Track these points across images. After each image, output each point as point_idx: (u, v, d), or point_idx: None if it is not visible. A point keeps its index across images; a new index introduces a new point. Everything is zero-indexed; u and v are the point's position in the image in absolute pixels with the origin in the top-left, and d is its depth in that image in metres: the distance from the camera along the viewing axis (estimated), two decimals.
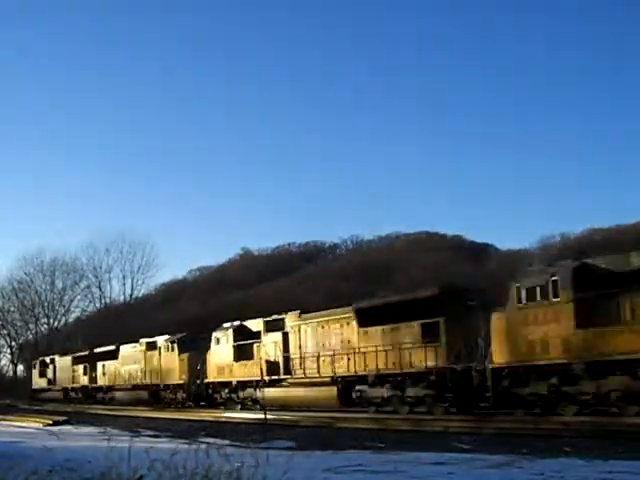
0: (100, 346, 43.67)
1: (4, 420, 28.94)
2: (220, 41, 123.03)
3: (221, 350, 30.07)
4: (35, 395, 52.22)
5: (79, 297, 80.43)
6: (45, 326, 79.90)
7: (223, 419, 25.07)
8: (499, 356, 18.55)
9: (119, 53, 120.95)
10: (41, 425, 25.94)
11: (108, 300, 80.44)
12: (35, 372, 53.90)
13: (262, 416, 20.58)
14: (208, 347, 30.87)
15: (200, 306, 69.92)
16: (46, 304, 79.19)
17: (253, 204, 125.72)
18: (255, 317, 29.38)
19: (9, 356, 79.26)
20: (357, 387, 23.38)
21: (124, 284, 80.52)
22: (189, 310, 69.06)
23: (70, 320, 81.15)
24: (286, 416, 23.62)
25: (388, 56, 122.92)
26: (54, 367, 49.98)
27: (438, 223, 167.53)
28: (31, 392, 53.68)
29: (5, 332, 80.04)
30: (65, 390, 47.42)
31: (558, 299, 17.41)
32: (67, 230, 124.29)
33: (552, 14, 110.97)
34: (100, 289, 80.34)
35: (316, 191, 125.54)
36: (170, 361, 34.88)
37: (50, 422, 26.38)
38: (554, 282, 17.66)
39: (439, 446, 13.74)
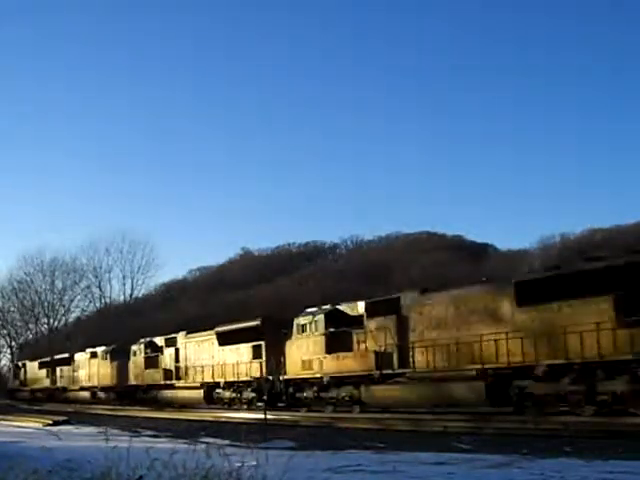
0: (98, 346, 45.78)
1: (4, 420, 28.93)
2: (220, 41, 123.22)
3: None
4: (10, 395, 56.09)
5: (79, 297, 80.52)
6: (45, 326, 79.95)
7: (223, 419, 25.08)
8: (288, 371, 26.87)
9: (119, 53, 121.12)
10: (41, 425, 25.94)
11: (108, 300, 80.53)
12: (11, 375, 58.48)
13: (262, 416, 20.58)
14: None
15: (200, 306, 69.93)
16: (46, 304, 79.22)
17: (253, 204, 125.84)
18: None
19: (9, 356, 79.32)
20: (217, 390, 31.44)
21: (124, 284, 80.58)
22: (189, 310, 69.07)
23: (70, 320, 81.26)
24: (286, 416, 23.65)
25: (388, 56, 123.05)
26: (24, 371, 54.83)
27: (438, 223, 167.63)
28: (7, 392, 57.78)
29: (5, 332, 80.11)
30: (32, 391, 52.05)
31: (317, 333, 25.53)
32: (67, 230, 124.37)
33: (552, 14, 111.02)
34: (100, 289, 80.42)
35: (316, 191, 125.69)
36: (104, 367, 41.65)
37: (50, 422, 26.38)
38: (316, 321, 25.72)
39: (439, 446, 13.73)
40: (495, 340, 18.75)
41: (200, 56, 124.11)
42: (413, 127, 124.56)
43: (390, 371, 22.28)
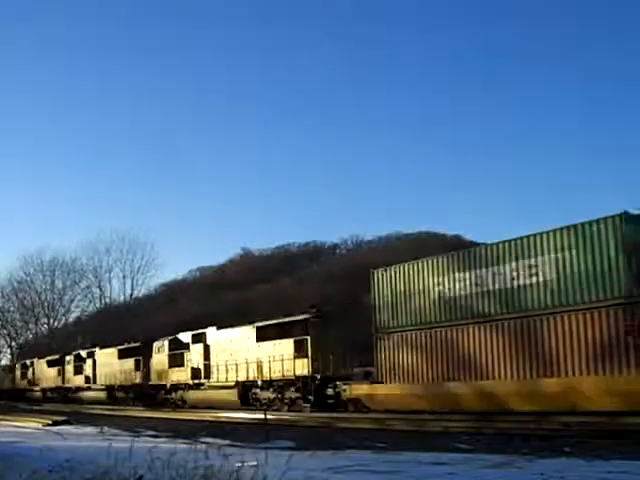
0: (97, 346, 46.27)
1: (4, 420, 28.92)
2: (220, 46, 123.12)
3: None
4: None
5: (79, 297, 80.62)
6: (45, 326, 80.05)
7: (223, 419, 25.08)
8: (152, 378, 37.13)
9: (118, 54, 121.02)
10: (41, 425, 25.92)
11: (108, 300, 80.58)
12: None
13: (262, 416, 20.58)
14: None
15: (200, 306, 69.96)
16: (46, 304, 79.30)
17: (253, 204, 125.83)
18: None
19: (9, 356, 79.35)
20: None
21: (124, 284, 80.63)
22: (189, 310, 69.09)
23: (70, 320, 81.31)
24: (286, 416, 23.65)
25: (388, 55, 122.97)
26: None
27: (438, 223, 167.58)
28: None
29: (5, 332, 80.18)
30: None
31: (164, 353, 36.04)
32: (67, 230, 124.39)
33: (552, 13, 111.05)
34: (100, 289, 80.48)
35: (316, 191, 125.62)
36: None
37: (50, 422, 26.37)
38: (163, 345, 36.33)
39: (439, 446, 13.73)
40: (246, 363, 29.48)
41: (199, 54, 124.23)
42: (413, 127, 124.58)
43: (197, 381, 33.17)
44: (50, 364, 51.48)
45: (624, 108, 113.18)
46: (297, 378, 26.47)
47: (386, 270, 23.42)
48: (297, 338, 26.85)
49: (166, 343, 35.77)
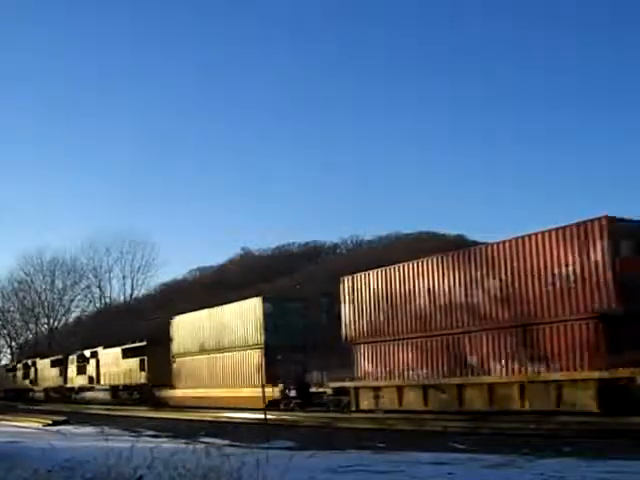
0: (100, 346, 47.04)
1: (4, 420, 28.91)
2: (222, 40, 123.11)
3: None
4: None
5: (79, 297, 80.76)
6: (45, 326, 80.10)
7: (223, 419, 25.08)
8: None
9: (118, 50, 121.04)
10: (40, 425, 25.92)
11: (108, 300, 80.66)
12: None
13: (262, 416, 20.59)
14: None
15: (200, 306, 69.82)
16: (46, 304, 79.37)
17: (253, 204, 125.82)
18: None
19: (9, 356, 79.38)
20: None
21: (124, 284, 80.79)
22: (189, 310, 68.99)
23: (70, 320, 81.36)
24: (286, 416, 23.64)
25: (388, 54, 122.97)
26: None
27: (438, 223, 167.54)
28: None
29: (5, 332, 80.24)
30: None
31: (75, 364, 48.92)
32: (67, 230, 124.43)
33: (552, 15, 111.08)
34: (100, 289, 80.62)
35: (316, 191, 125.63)
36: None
37: (50, 422, 26.37)
38: (74, 358, 49.20)
39: (439, 446, 13.73)
40: (117, 373, 41.94)
41: (201, 53, 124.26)
42: (413, 126, 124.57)
43: (92, 385, 44.93)
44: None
45: (624, 108, 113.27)
46: (139, 385, 39.05)
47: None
48: (140, 357, 39.03)
49: (75, 357, 48.69)
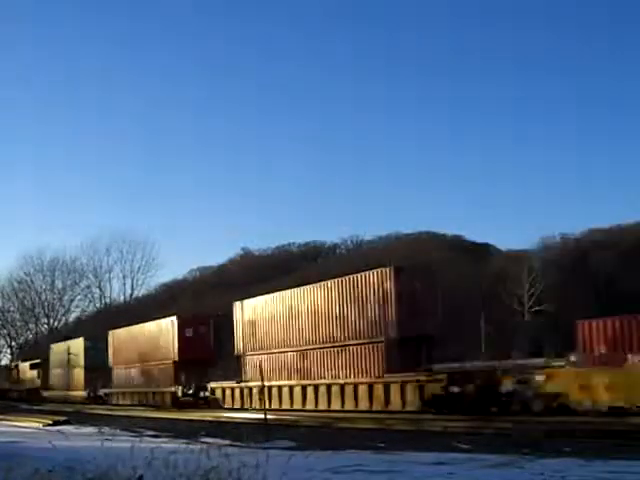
0: None
1: (4, 420, 28.92)
2: (222, 38, 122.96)
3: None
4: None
5: (79, 297, 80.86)
6: (45, 326, 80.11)
7: (223, 419, 25.10)
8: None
9: (119, 49, 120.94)
10: (41, 425, 25.93)
11: (108, 300, 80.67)
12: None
13: (262, 416, 20.59)
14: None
15: (200, 306, 69.88)
16: (46, 304, 79.41)
17: (253, 204, 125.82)
18: None
19: (9, 356, 79.40)
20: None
21: (124, 284, 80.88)
22: (189, 310, 69.05)
23: (70, 320, 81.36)
24: (286, 416, 23.66)
25: (388, 53, 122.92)
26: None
27: (438, 223, 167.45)
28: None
29: (5, 332, 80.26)
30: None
31: (27, 364, 59.43)
32: (67, 230, 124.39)
33: (552, 14, 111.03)
34: (100, 289, 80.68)
35: (316, 191, 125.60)
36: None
37: (50, 422, 26.37)
38: (25, 365, 60.17)
39: (439, 446, 13.74)
40: (29, 379, 55.80)
41: (200, 53, 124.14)
42: (413, 126, 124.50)
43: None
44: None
45: (625, 108, 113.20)
46: (37, 388, 52.25)
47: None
48: (38, 370, 52.98)
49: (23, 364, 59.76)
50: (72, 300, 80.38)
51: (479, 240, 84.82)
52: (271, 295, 30.75)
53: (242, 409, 28.69)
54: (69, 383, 46.72)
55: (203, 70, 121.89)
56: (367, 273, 24.82)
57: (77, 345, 46.27)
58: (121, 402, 39.96)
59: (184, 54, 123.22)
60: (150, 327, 39.37)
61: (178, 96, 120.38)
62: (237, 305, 32.30)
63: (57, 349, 51.35)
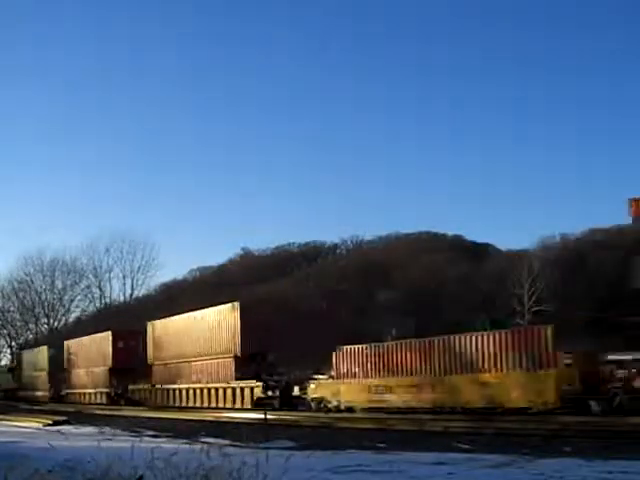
0: None
1: (4, 420, 28.94)
2: (221, 37, 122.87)
3: None
4: None
5: (79, 297, 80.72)
6: (45, 326, 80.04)
7: (223, 419, 25.11)
8: None
9: (119, 50, 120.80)
10: (41, 425, 25.95)
11: (108, 300, 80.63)
12: None
13: (262, 416, 20.60)
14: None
15: (200, 306, 69.87)
16: (46, 304, 79.33)
17: (253, 204, 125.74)
18: None
19: (9, 356, 79.35)
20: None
21: (124, 284, 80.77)
22: (189, 310, 69.02)
23: (70, 320, 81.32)
24: (286, 416, 23.67)
25: (388, 53, 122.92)
26: None
27: (438, 223, 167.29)
28: None
29: (5, 332, 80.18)
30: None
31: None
32: (67, 230, 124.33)
33: (552, 14, 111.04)
34: (100, 289, 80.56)
35: (316, 191, 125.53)
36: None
37: (50, 422, 26.39)
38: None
39: (439, 446, 13.75)
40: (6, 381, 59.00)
41: (200, 53, 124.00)
42: (413, 126, 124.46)
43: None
44: (8, 370, 62.35)
45: (625, 109, 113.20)
46: (12, 389, 55.77)
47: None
48: (12, 374, 58.00)
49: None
50: (72, 300, 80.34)
51: (479, 240, 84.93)
52: (171, 318, 38.98)
53: (156, 406, 35.15)
54: (36, 384, 53.53)
55: (203, 70, 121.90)
56: (223, 307, 33.54)
57: (42, 352, 53.89)
58: (77, 400, 46.42)
59: (184, 54, 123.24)
60: (94, 339, 46.40)
61: (178, 96, 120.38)
62: (149, 324, 39.91)
63: (27, 355, 59.29)
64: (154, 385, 37.62)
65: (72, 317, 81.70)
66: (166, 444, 14.22)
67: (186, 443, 14.57)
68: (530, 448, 12.48)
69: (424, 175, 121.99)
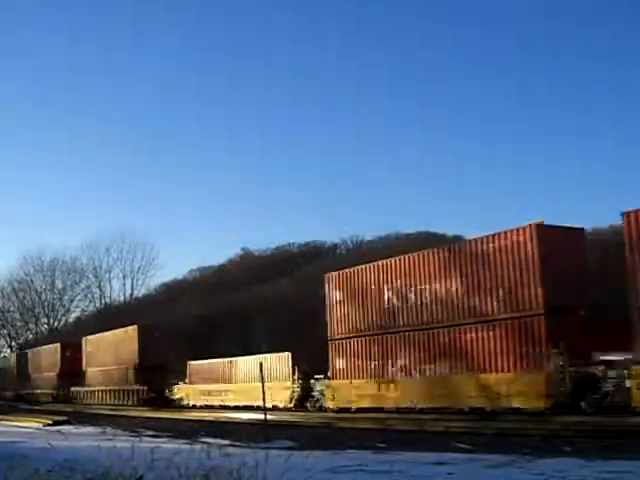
0: None
1: (4, 420, 28.93)
2: (222, 39, 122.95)
3: None
4: None
5: (79, 297, 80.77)
6: (45, 326, 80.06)
7: (223, 419, 25.11)
8: None
9: (119, 51, 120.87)
10: (41, 425, 25.94)
11: (108, 300, 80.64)
12: None
13: (262, 416, 20.60)
14: None
15: (200, 306, 69.90)
16: (46, 304, 79.37)
17: (253, 204, 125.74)
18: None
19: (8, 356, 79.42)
20: None
21: (124, 284, 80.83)
22: (189, 310, 69.06)
23: (70, 320, 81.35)
24: (286, 416, 23.67)
25: (388, 54, 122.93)
26: None
27: (438, 223, 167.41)
28: None
29: (5, 332, 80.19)
30: None
31: None
32: (67, 230, 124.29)
33: (552, 15, 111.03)
34: (100, 289, 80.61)
35: (316, 191, 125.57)
36: None
37: (50, 422, 26.39)
38: None
39: (439, 446, 13.74)
40: None
41: (200, 54, 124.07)
42: (413, 126, 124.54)
43: None
44: None
45: (625, 109, 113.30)
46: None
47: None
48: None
49: None
50: (72, 300, 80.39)
51: None
52: (100, 334, 46.71)
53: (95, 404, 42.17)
54: (6, 385, 61.05)
55: (202, 71, 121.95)
56: (129, 328, 42.99)
57: (12, 358, 64.36)
58: (32, 399, 52.28)
59: (182, 53, 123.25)
60: (45, 350, 54.44)
61: (178, 96, 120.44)
62: (84, 339, 48.19)
63: (2, 360, 68.97)
64: (85, 386, 46.60)
65: (72, 317, 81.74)
66: (166, 444, 14.22)
67: (186, 443, 14.58)
68: (530, 448, 12.47)
69: (424, 175, 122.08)
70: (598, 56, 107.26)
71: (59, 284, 79.51)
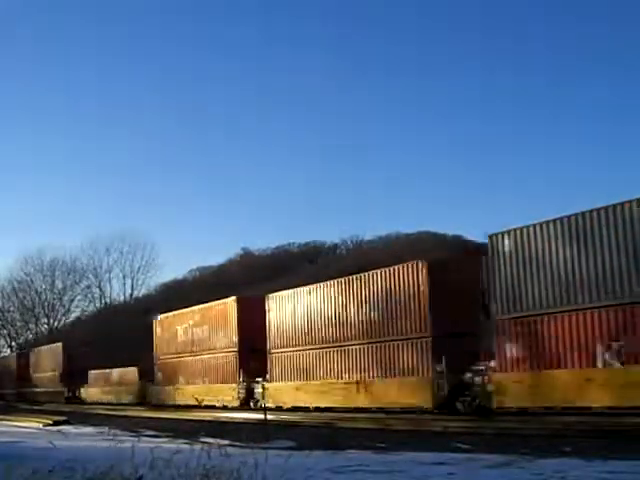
0: None
1: (4, 420, 28.94)
2: (220, 42, 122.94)
3: None
4: None
5: (79, 297, 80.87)
6: (45, 326, 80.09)
7: (223, 419, 25.11)
8: None
9: (117, 54, 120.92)
10: (41, 425, 25.94)
11: (108, 300, 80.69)
12: None
13: (262, 416, 20.61)
14: None
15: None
16: (46, 304, 79.42)
17: (253, 204, 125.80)
18: None
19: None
20: None
21: (124, 284, 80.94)
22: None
23: (70, 320, 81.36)
24: (286, 416, 23.67)
25: (388, 54, 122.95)
26: None
27: (438, 223, 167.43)
28: None
29: (5, 332, 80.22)
30: None
31: None
32: (67, 230, 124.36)
33: (552, 14, 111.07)
34: (100, 289, 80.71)
35: (316, 191, 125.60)
36: None
37: (50, 422, 26.39)
38: None
39: (439, 446, 13.74)
40: None
41: (198, 55, 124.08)
42: (413, 126, 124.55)
43: None
44: None
45: (625, 109, 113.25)
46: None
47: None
48: None
49: None
50: (72, 300, 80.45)
51: (477, 240, 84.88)
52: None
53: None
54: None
55: (201, 71, 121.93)
56: None
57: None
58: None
59: (180, 56, 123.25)
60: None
61: (178, 96, 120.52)
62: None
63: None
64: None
65: (72, 317, 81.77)
66: (166, 444, 14.24)
67: (186, 443, 14.58)
68: (530, 448, 12.47)
69: (424, 175, 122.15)
70: (598, 56, 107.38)
71: (59, 284, 79.64)
